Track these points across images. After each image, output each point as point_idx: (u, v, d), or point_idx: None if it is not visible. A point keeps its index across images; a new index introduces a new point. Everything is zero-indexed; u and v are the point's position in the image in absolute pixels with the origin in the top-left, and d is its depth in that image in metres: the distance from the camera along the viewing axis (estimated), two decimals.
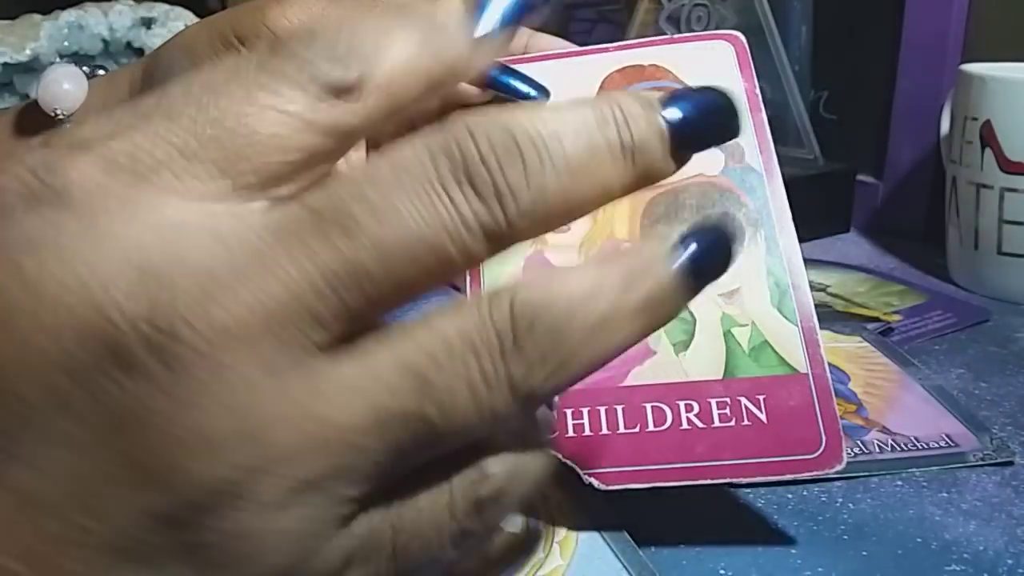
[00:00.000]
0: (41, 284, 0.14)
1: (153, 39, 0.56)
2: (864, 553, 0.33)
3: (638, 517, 0.34)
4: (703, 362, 0.34)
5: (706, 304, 0.35)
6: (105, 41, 0.56)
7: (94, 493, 0.14)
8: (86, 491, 0.14)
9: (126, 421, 0.14)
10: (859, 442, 0.40)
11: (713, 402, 0.33)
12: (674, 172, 0.18)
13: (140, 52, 0.58)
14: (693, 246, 0.17)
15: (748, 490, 0.36)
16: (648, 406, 0.34)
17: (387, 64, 0.17)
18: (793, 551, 0.33)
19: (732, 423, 0.33)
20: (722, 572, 0.32)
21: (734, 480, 0.33)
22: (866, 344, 0.50)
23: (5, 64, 0.54)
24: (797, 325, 0.34)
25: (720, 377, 0.34)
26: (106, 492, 0.14)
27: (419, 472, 0.17)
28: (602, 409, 0.33)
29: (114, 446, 0.14)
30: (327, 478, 0.15)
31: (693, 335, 0.35)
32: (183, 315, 0.14)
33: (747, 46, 0.39)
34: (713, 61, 0.38)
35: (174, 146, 0.15)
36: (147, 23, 0.57)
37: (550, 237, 0.36)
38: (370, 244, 0.15)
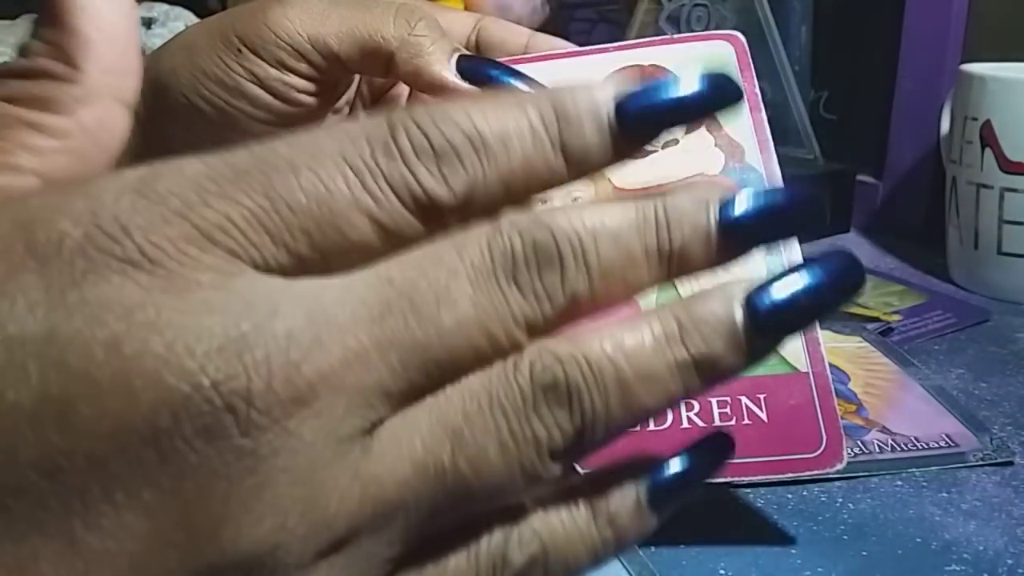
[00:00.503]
0: (130, 350, 0.14)
1: (153, 39, 0.56)
2: (864, 553, 0.33)
3: None
4: None
5: None
6: None
7: (150, 554, 0.15)
8: (143, 552, 0.15)
9: (195, 485, 0.15)
10: (859, 442, 0.40)
11: (714, 401, 0.34)
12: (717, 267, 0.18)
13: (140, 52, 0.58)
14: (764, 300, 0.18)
15: (748, 490, 0.36)
16: None
17: (480, 195, 0.17)
18: (793, 551, 0.33)
19: (733, 422, 0.33)
20: (722, 572, 0.32)
21: (735, 479, 0.33)
22: (866, 344, 0.50)
23: (5, 64, 0.54)
24: None
25: None
26: (161, 553, 0.15)
27: (456, 533, 0.18)
28: None
29: (178, 508, 0.15)
30: (369, 539, 0.16)
31: None
32: (267, 383, 0.15)
33: (747, 46, 0.39)
34: (712, 61, 0.38)
35: (263, 225, 0.16)
36: (147, 23, 0.57)
37: None
38: (434, 328, 0.16)
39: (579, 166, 0.18)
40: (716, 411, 0.33)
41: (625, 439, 0.33)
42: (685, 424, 0.33)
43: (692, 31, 0.74)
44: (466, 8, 0.82)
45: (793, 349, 0.34)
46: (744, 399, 0.33)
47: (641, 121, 0.18)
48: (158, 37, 0.56)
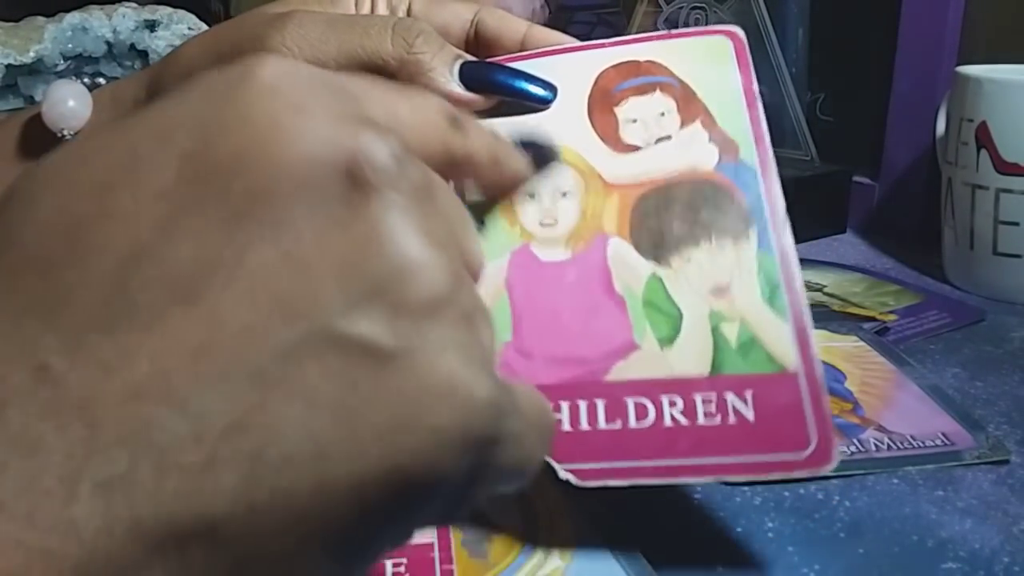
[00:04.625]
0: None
1: (157, 41, 0.56)
2: (860, 551, 0.33)
3: (637, 517, 0.34)
4: (689, 357, 0.32)
5: (693, 299, 0.33)
6: (108, 43, 0.57)
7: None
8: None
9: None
10: (855, 440, 0.40)
11: (698, 398, 0.31)
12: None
13: (144, 54, 0.59)
14: None
15: (745, 488, 0.37)
16: (630, 401, 0.32)
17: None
18: (790, 549, 0.33)
19: (718, 420, 0.31)
20: (721, 571, 0.32)
21: (720, 478, 0.31)
22: (862, 343, 0.50)
23: (9, 66, 0.54)
24: (788, 322, 0.32)
25: (707, 374, 0.32)
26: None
27: None
28: (582, 403, 0.32)
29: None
30: None
31: (679, 330, 0.33)
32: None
33: (746, 41, 0.38)
34: (710, 56, 0.37)
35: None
36: (151, 26, 0.57)
37: (537, 231, 0.35)
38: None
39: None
40: (700, 408, 0.31)
41: (610, 436, 0.32)
42: (668, 423, 0.31)
43: None
44: None
45: (784, 347, 0.32)
46: (730, 396, 0.31)
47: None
48: (162, 40, 0.56)
